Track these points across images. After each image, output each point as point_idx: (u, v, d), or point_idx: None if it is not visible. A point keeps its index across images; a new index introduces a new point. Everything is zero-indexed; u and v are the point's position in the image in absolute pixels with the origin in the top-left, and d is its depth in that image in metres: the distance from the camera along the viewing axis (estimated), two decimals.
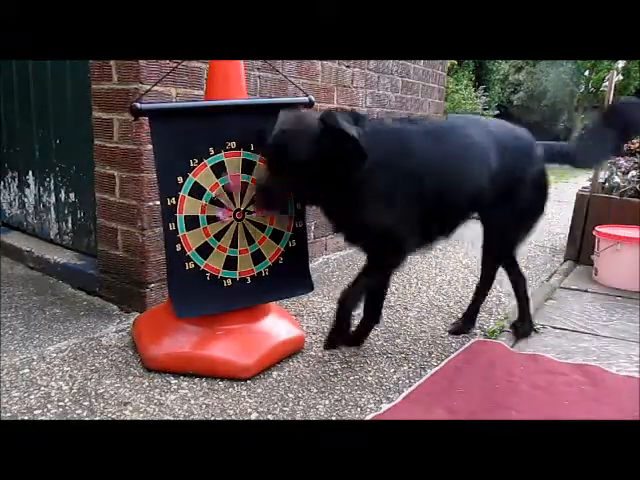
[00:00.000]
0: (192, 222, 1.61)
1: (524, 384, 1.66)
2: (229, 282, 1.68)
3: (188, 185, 1.59)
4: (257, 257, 1.72)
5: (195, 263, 1.63)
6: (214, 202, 1.63)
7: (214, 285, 1.66)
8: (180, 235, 1.60)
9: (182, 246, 1.61)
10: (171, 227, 1.59)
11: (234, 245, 1.68)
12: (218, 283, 1.67)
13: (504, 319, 2.22)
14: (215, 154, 1.61)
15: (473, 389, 1.62)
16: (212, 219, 1.64)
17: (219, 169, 1.62)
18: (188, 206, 1.60)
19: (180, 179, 1.58)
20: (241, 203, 1.67)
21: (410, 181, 1.58)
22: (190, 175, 1.59)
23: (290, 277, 1.77)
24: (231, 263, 1.68)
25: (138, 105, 1.52)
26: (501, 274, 2.08)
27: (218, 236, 1.66)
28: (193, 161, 1.59)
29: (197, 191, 1.61)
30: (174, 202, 1.58)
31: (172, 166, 1.58)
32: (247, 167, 1.66)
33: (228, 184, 1.64)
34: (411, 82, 3.66)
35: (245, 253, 1.70)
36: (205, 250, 1.64)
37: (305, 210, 1.78)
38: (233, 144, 1.63)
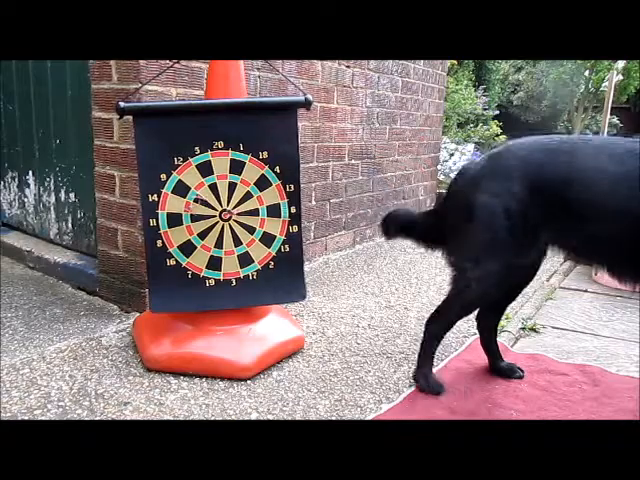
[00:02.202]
0: (175, 219, 1.61)
1: (524, 384, 1.66)
2: (212, 282, 1.67)
3: (172, 183, 1.59)
4: (244, 259, 1.69)
5: (177, 260, 1.63)
6: (198, 201, 1.63)
7: (196, 284, 1.65)
8: (162, 231, 1.60)
9: (163, 242, 1.61)
10: (152, 223, 1.59)
11: (219, 245, 1.66)
12: (200, 282, 1.66)
13: (504, 319, 2.22)
14: (201, 153, 1.60)
15: (473, 389, 1.62)
16: (196, 217, 1.64)
17: (205, 168, 1.61)
18: (171, 203, 1.60)
19: (163, 176, 1.58)
20: (228, 203, 1.66)
21: None
22: (174, 173, 1.59)
23: (281, 283, 1.73)
24: (215, 263, 1.67)
25: (121, 104, 1.53)
26: None
27: (202, 235, 1.65)
28: (177, 159, 1.59)
29: (181, 189, 1.60)
30: (155, 199, 1.59)
31: (155, 163, 1.58)
32: (235, 167, 1.64)
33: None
34: (411, 82, 3.66)
35: (231, 254, 1.68)
36: (188, 248, 1.64)
37: (301, 214, 1.74)
38: (220, 143, 1.61)
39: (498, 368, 1.76)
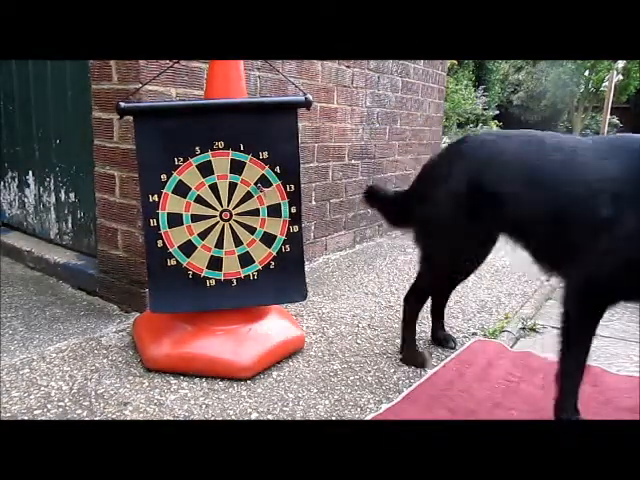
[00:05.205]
0: (175, 219, 1.62)
1: (524, 384, 1.66)
2: (212, 282, 1.67)
3: (172, 183, 1.59)
4: (245, 259, 1.69)
5: (177, 260, 1.63)
6: (199, 201, 1.63)
7: (196, 284, 1.65)
8: (162, 232, 1.61)
9: (164, 242, 1.61)
10: (152, 223, 1.60)
11: (219, 245, 1.67)
12: (201, 282, 1.66)
13: (504, 319, 2.22)
14: (201, 153, 1.60)
15: (473, 389, 1.62)
16: (197, 218, 1.64)
17: (206, 168, 1.61)
18: (171, 203, 1.60)
19: (164, 177, 1.59)
20: (228, 203, 1.66)
21: None
22: (174, 173, 1.59)
23: (282, 283, 1.73)
24: (216, 263, 1.67)
25: (122, 104, 1.54)
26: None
27: (202, 235, 1.65)
28: (178, 159, 1.59)
29: (181, 189, 1.61)
30: (156, 199, 1.59)
31: (155, 164, 1.58)
32: (236, 167, 1.64)
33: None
34: (411, 82, 3.66)
35: (231, 254, 1.68)
36: (188, 248, 1.64)
37: (301, 214, 1.74)
38: (221, 144, 1.61)
39: (436, 337, 1.99)
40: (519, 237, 1.58)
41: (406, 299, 1.84)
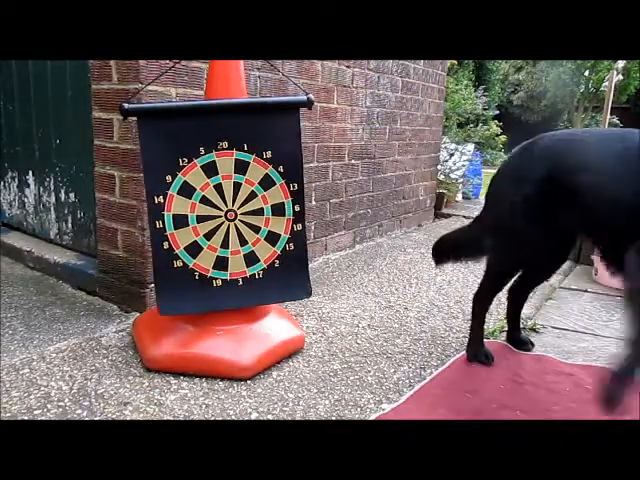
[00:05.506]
0: (181, 221, 1.62)
1: (528, 385, 1.66)
2: (219, 282, 1.68)
3: (177, 184, 1.59)
4: (250, 259, 1.70)
5: (183, 261, 1.63)
6: (204, 201, 1.63)
7: (203, 284, 1.66)
8: (168, 233, 1.61)
9: (170, 244, 1.61)
10: (158, 225, 1.60)
11: (225, 245, 1.67)
12: (207, 283, 1.66)
13: (504, 319, 2.22)
14: (206, 154, 1.60)
15: (478, 389, 1.62)
16: (202, 218, 1.64)
17: (210, 168, 1.62)
18: (177, 205, 1.60)
19: (169, 178, 1.58)
20: (233, 203, 1.67)
21: None
22: (179, 174, 1.59)
23: (287, 281, 1.74)
24: (222, 263, 1.67)
25: (125, 106, 1.53)
26: None
27: (208, 236, 1.65)
28: (182, 160, 1.59)
29: (186, 190, 1.61)
30: (161, 200, 1.59)
31: (160, 165, 1.58)
32: (240, 167, 1.64)
33: None
34: (411, 82, 3.66)
35: (237, 254, 1.68)
36: (194, 249, 1.64)
37: (304, 213, 1.75)
38: (225, 144, 1.61)
39: (512, 338, 1.96)
40: (596, 236, 1.60)
41: (476, 297, 1.84)
